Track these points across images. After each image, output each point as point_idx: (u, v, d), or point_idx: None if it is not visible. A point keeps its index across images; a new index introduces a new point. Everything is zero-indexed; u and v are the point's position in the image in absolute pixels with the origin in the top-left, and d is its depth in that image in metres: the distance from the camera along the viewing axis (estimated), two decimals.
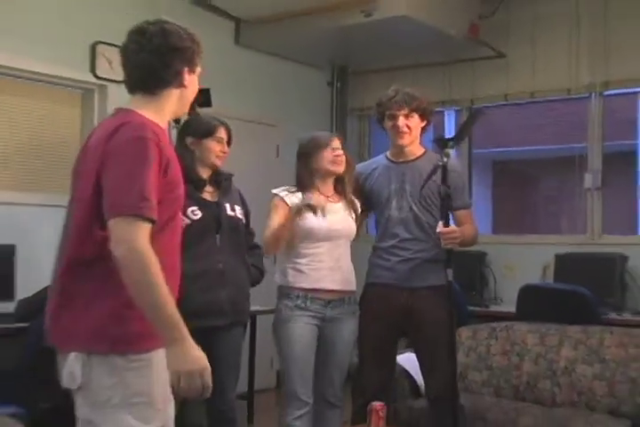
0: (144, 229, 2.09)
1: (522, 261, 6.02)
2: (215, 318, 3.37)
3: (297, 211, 3.34)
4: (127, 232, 2.08)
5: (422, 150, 3.74)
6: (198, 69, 2.39)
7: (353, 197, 3.71)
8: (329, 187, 3.64)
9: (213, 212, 3.37)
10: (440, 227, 3.40)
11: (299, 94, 6.79)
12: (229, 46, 6.17)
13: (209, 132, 3.42)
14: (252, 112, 6.21)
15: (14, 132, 4.88)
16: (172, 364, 2.10)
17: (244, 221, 3.54)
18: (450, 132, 6.90)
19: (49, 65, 4.84)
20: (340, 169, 3.61)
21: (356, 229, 3.67)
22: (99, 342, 2.15)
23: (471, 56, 6.34)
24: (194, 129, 3.43)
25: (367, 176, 3.75)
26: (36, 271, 4.32)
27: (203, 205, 3.34)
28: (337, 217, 3.58)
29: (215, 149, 3.42)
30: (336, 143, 3.62)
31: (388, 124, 3.66)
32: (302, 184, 3.61)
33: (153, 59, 2.27)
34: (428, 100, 3.73)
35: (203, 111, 3.58)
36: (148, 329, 2.10)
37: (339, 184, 3.66)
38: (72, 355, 2.16)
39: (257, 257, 3.63)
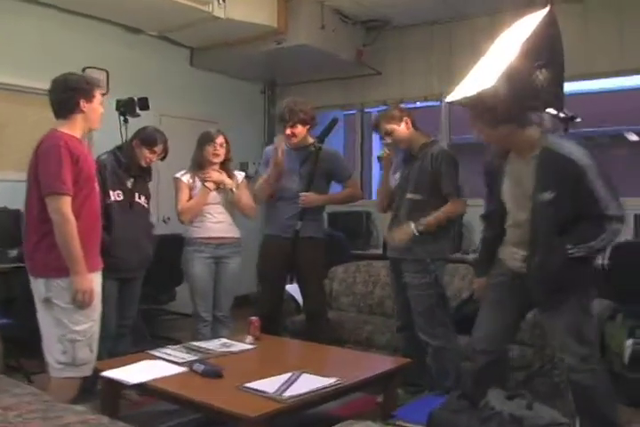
0: (66, 201, 2.61)
1: None
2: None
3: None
4: (57, 204, 2.60)
5: (311, 140, 3.81)
6: (96, 98, 2.78)
7: (234, 174, 3.93)
8: (215, 167, 3.87)
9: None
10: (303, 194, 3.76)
11: (239, 102, 7.02)
12: (186, 68, 6.50)
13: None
14: (203, 115, 6.39)
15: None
16: (75, 284, 2.66)
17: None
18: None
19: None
20: (217, 160, 3.84)
21: (232, 195, 3.86)
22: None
23: (359, 73, 6.68)
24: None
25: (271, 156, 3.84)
26: None
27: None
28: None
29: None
30: (220, 140, 3.82)
31: (282, 129, 3.83)
32: (197, 165, 3.88)
33: (56, 97, 2.77)
34: (307, 111, 3.74)
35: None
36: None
37: (222, 166, 3.92)
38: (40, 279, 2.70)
39: None
